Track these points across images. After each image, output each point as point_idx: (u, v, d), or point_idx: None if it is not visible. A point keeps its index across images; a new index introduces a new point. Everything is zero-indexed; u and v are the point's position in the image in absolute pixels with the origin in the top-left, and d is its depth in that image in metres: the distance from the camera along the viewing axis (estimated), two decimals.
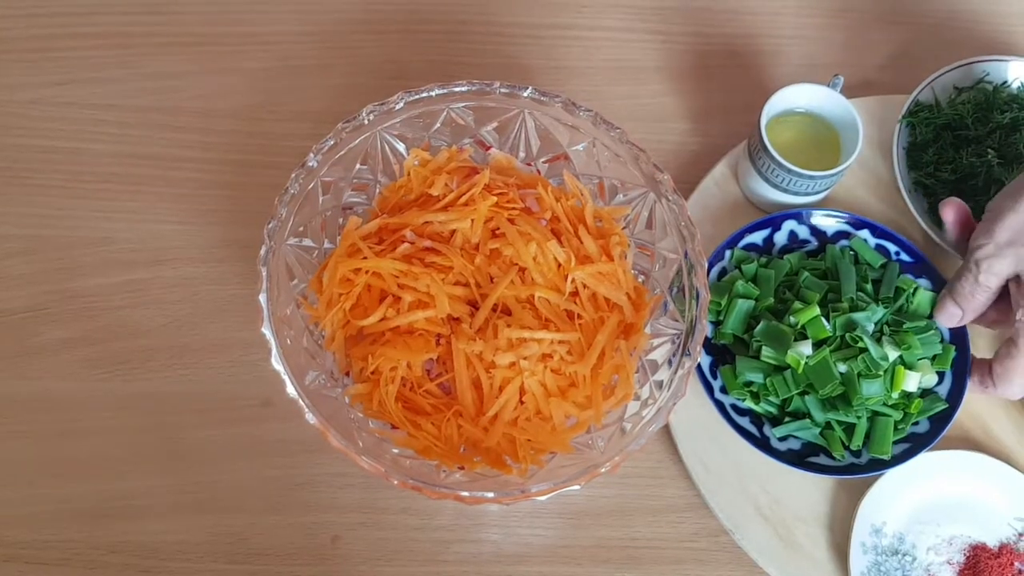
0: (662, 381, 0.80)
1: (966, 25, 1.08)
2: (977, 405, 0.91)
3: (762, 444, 0.85)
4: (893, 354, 0.84)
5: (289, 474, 0.88)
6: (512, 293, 0.81)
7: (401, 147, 0.87)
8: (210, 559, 0.86)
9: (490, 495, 0.75)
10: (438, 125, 0.86)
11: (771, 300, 0.87)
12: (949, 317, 0.86)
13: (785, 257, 0.90)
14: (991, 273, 0.81)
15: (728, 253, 0.91)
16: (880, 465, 0.84)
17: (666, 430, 0.89)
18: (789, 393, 0.84)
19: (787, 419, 0.86)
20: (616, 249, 0.84)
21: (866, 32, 1.07)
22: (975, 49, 1.03)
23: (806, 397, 0.84)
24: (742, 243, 0.91)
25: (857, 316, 0.84)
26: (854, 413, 0.84)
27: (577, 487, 0.75)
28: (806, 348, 0.83)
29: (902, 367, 0.84)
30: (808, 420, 0.85)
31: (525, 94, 0.83)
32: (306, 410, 0.75)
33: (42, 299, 0.93)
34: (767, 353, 0.84)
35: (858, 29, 1.07)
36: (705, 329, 0.80)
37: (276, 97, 1.01)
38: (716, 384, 0.87)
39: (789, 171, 0.88)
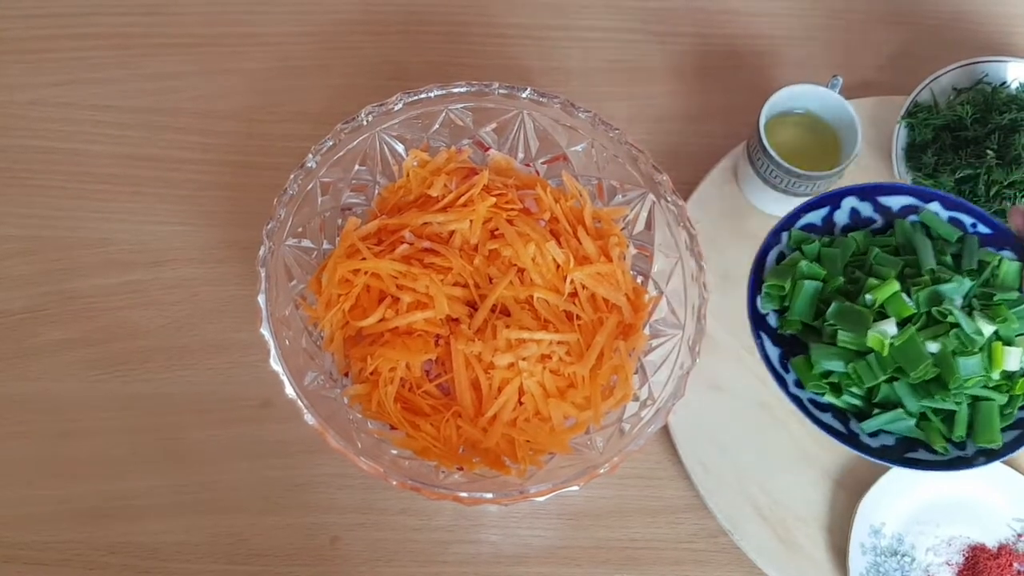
0: (661, 381, 0.80)
1: (965, 26, 1.08)
2: None
3: (852, 441, 0.75)
4: (988, 329, 0.73)
5: (288, 475, 0.88)
6: (511, 294, 0.81)
7: (400, 148, 0.87)
8: (209, 559, 0.86)
9: (489, 496, 0.75)
10: (437, 126, 0.86)
11: (840, 280, 0.77)
12: None
13: (850, 235, 0.80)
14: None
15: (784, 236, 0.81)
16: (989, 456, 0.73)
17: (665, 431, 0.89)
18: (875, 380, 0.73)
19: (876, 411, 0.75)
20: (615, 250, 0.84)
21: (865, 33, 1.07)
22: (974, 50, 1.03)
23: (895, 384, 0.74)
24: (799, 224, 0.81)
25: (943, 288, 0.74)
26: (952, 398, 0.73)
27: (576, 488, 0.75)
28: (890, 327, 0.73)
29: (999, 343, 0.73)
30: (900, 411, 0.74)
31: (524, 95, 0.83)
32: (305, 411, 0.75)
33: (41, 300, 0.93)
34: (844, 337, 0.74)
35: (857, 30, 1.07)
36: (705, 329, 0.80)
37: (275, 98, 1.01)
38: (790, 378, 0.77)
39: (788, 172, 0.88)
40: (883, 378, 0.73)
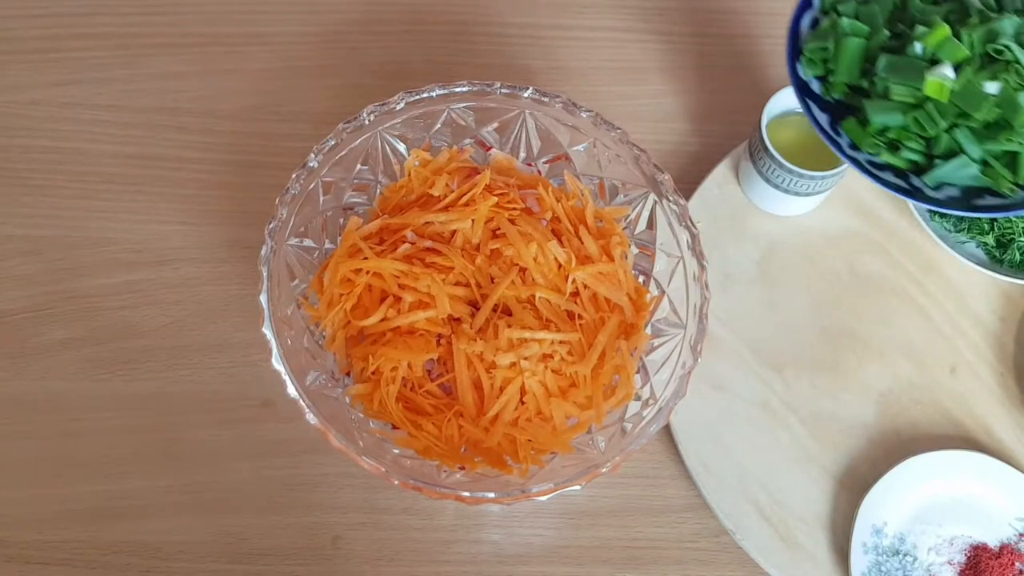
0: (663, 381, 0.80)
1: None
2: (979, 405, 0.91)
3: (917, 194, 0.72)
4: None
5: (290, 474, 0.88)
6: (513, 293, 0.81)
7: (402, 147, 0.87)
8: (211, 559, 0.86)
9: (491, 495, 0.75)
10: (439, 125, 0.86)
11: (885, 34, 0.74)
12: None
13: None
14: None
15: (816, 1, 0.77)
16: None
17: (667, 430, 0.89)
18: (937, 129, 0.70)
19: (937, 163, 0.73)
20: (617, 249, 0.84)
21: None
22: None
23: (956, 131, 0.71)
24: None
25: (996, 26, 0.71)
26: (1017, 138, 0.70)
27: (578, 487, 0.75)
28: (948, 70, 0.70)
29: None
30: (963, 158, 0.71)
31: (526, 94, 0.83)
32: (307, 410, 0.75)
33: (44, 299, 0.93)
34: (899, 91, 0.71)
35: None
36: (707, 329, 0.80)
37: (277, 97, 1.01)
38: (843, 142, 0.74)
39: (790, 171, 0.88)
40: (944, 126, 0.70)
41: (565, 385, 0.81)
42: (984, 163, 0.72)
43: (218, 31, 1.05)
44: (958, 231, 0.93)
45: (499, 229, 0.82)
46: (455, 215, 0.82)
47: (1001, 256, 0.92)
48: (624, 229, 0.87)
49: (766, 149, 0.88)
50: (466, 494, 0.75)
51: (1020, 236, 0.91)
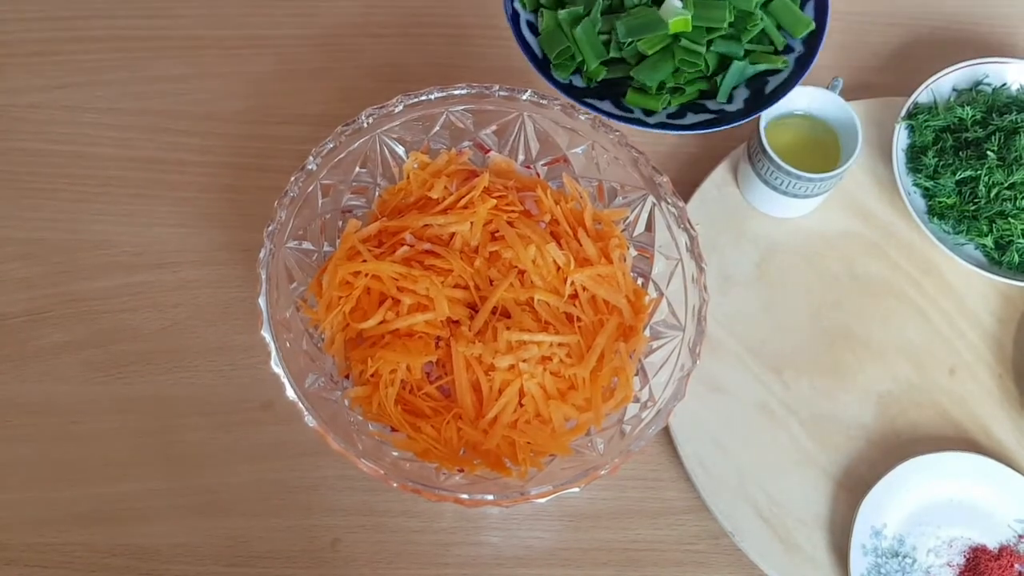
0: (662, 383, 0.80)
1: (966, 27, 1.08)
2: (978, 407, 0.91)
3: (723, 119, 0.78)
4: None
5: (289, 477, 0.88)
6: (511, 296, 0.81)
7: (400, 150, 0.87)
8: (211, 562, 0.86)
9: (490, 497, 0.75)
10: (437, 128, 0.86)
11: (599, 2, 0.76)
12: None
13: None
14: None
15: None
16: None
17: (666, 432, 0.89)
18: (701, 56, 0.75)
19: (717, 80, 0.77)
20: (615, 252, 0.84)
21: (865, 34, 1.07)
22: (975, 51, 1.03)
23: (715, 45, 0.75)
24: None
25: None
26: (759, 20, 0.76)
27: (577, 489, 0.75)
28: (675, 2, 0.74)
29: None
30: (735, 63, 0.77)
31: (524, 97, 0.83)
32: (306, 413, 0.75)
33: (43, 302, 0.93)
34: (650, 44, 0.75)
35: (857, 31, 1.07)
36: (705, 331, 0.80)
37: (276, 100, 1.01)
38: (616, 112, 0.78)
39: (788, 173, 0.88)
40: (703, 48, 0.74)
41: (564, 387, 0.81)
42: (748, 54, 0.75)
43: (217, 34, 1.05)
44: (957, 233, 0.93)
45: (498, 231, 0.82)
46: (454, 218, 0.82)
47: (1000, 258, 0.92)
48: (623, 231, 0.87)
49: (765, 151, 0.88)
50: (465, 496, 0.75)
51: (1019, 238, 0.91)
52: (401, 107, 0.83)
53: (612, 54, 0.73)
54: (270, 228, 0.80)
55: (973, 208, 0.92)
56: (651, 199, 0.84)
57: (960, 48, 1.05)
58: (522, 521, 0.88)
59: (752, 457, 0.88)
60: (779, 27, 0.75)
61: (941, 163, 0.94)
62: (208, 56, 1.03)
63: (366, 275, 0.80)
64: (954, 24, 1.08)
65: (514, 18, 0.73)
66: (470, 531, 0.87)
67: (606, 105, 0.73)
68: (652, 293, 0.86)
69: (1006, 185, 0.91)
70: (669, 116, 0.73)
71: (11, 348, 0.91)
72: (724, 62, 0.74)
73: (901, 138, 0.96)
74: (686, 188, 0.97)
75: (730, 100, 0.75)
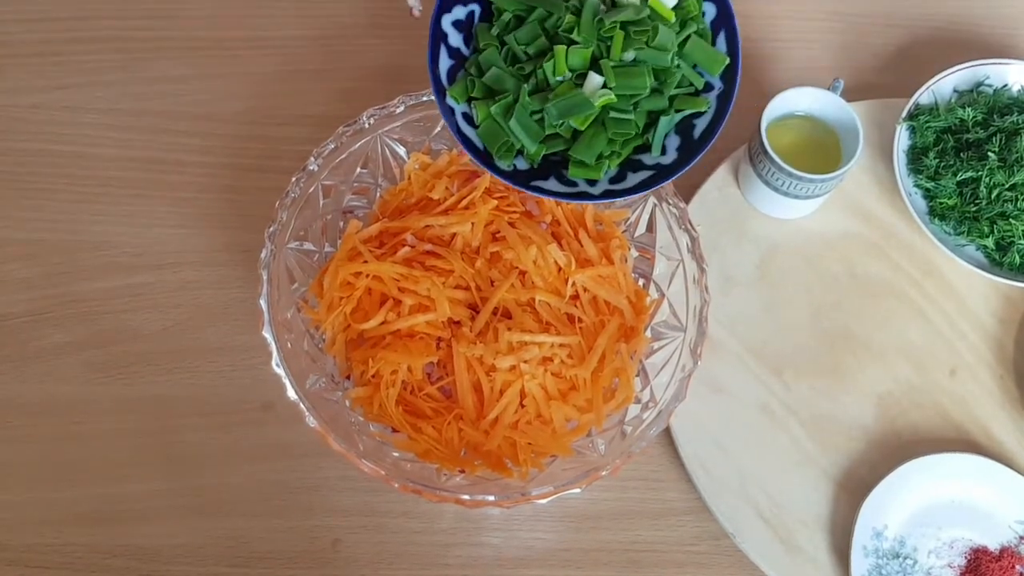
0: (663, 384, 0.80)
1: (966, 28, 1.08)
2: (978, 408, 0.91)
3: (666, 172, 0.75)
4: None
5: (290, 478, 0.88)
6: (512, 296, 0.81)
7: (402, 151, 0.87)
8: (211, 562, 0.86)
9: (491, 498, 0.75)
10: (439, 129, 0.87)
11: (525, 89, 0.74)
12: None
13: (482, 34, 0.76)
14: None
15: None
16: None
17: (667, 433, 0.89)
18: (632, 120, 0.73)
19: (648, 136, 0.75)
20: (616, 252, 0.84)
21: (866, 35, 1.07)
22: (975, 52, 1.03)
23: (642, 104, 0.74)
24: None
25: (587, 8, 0.73)
26: (677, 71, 0.74)
27: (578, 490, 0.75)
28: (596, 79, 0.73)
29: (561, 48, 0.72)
30: (664, 117, 0.75)
31: None
32: (307, 413, 0.76)
33: (43, 303, 0.93)
34: (582, 121, 0.73)
35: (858, 32, 1.07)
36: (707, 332, 0.80)
37: (277, 101, 1.01)
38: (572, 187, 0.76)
39: (790, 174, 0.88)
40: (632, 113, 0.73)
41: (565, 388, 0.81)
42: (672, 102, 0.75)
43: (218, 35, 1.05)
44: (958, 234, 0.93)
45: (499, 232, 0.82)
46: (455, 218, 0.82)
47: (1001, 259, 0.92)
48: (624, 232, 0.87)
49: (766, 152, 0.88)
50: (466, 497, 0.75)
51: (1020, 239, 0.91)
52: (402, 108, 0.84)
53: (548, 131, 0.74)
54: (271, 229, 0.80)
55: (974, 209, 0.92)
56: (652, 200, 0.84)
57: (961, 49, 1.05)
58: (523, 522, 0.88)
59: (753, 458, 0.88)
60: (695, 66, 0.76)
61: (942, 164, 0.94)
62: (209, 57, 1.03)
63: (367, 276, 0.80)
64: (955, 25, 1.08)
65: (449, 113, 0.74)
66: (471, 532, 0.87)
67: (551, 184, 0.74)
68: (653, 294, 0.86)
69: (1007, 186, 0.91)
70: (611, 181, 0.75)
71: (12, 349, 0.91)
72: (653, 115, 0.75)
73: (902, 139, 0.96)
74: (687, 189, 0.97)
75: (664, 151, 0.76)
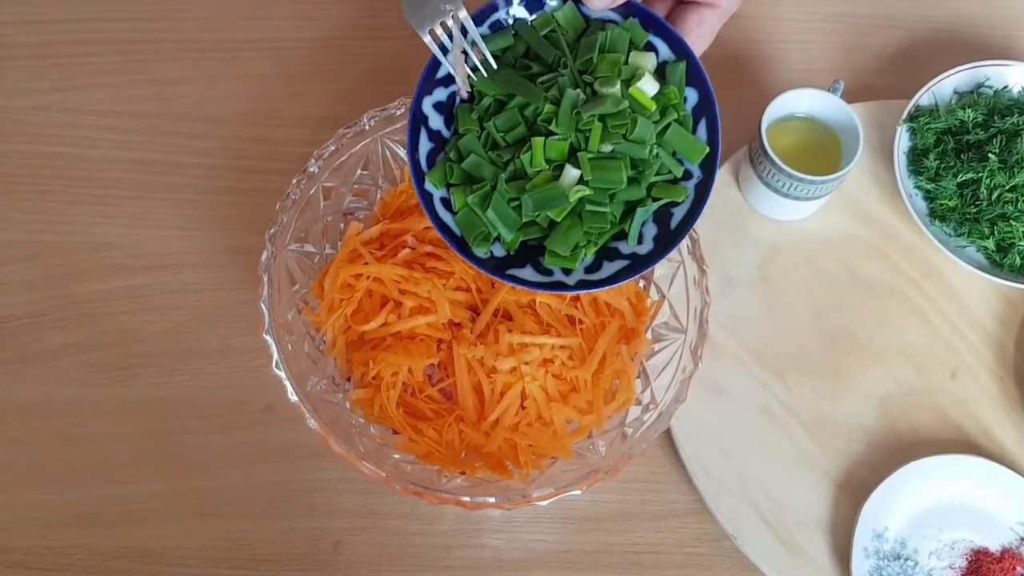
0: (663, 385, 0.80)
1: (967, 29, 1.08)
2: (979, 409, 0.91)
3: (643, 262, 0.73)
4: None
5: (291, 479, 0.88)
6: (513, 298, 0.81)
7: (402, 152, 0.87)
8: (212, 564, 0.86)
9: (491, 500, 0.75)
10: None
11: (503, 177, 0.72)
12: None
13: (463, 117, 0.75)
14: None
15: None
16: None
17: (667, 435, 0.89)
18: (609, 211, 0.72)
19: (627, 226, 0.74)
20: None
21: (866, 36, 1.07)
22: (976, 53, 1.03)
23: (618, 196, 0.72)
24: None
25: (568, 98, 0.71)
26: (654, 162, 0.72)
27: (578, 492, 0.75)
28: (572, 172, 0.71)
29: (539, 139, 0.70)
30: (640, 208, 0.73)
31: None
32: (307, 415, 0.76)
33: (43, 304, 0.93)
34: (559, 213, 0.71)
35: (858, 33, 1.07)
36: (707, 334, 0.80)
37: (277, 103, 1.01)
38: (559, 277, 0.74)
39: (790, 176, 0.88)
40: (608, 205, 0.71)
41: (566, 390, 0.81)
42: (650, 190, 0.73)
43: (217, 36, 1.05)
44: (958, 235, 0.93)
45: None
46: None
47: (1001, 260, 0.92)
48: None
49: (766, 154, 0.88)
50: (467, 499, 0.75)
51: (1020, 240, 0.91)
52: (403, 109, 0.84)
53: (525, 218, 0.73)
54: (271, 231, 0.80)
55: (975, 210, 0.92)
56: None
57: (961, 50, 1.05)
58: (523, 524, 0.88)
59: (754, 460, 0.88)
60: (675, 153, 0.74)
61: (942, 165, 0.94)
62: (209, 59, 1.03)
63: (368, 278, 0.80)
64: (955, 26, 1.08)
65: (427, 199, 0.73)
66: (471, 534, 0.87)
67: (527, 272, 0.73)
68: (654, 295, 0.86)
69: (1007, 187, 0.91)
70: (587, 270, 0.73)
71: (12, 350, 0.91)
72: (630, 204, 0.74)
73: (902, 140, 0.96)
74: None
75: (640, 240, 0.74)
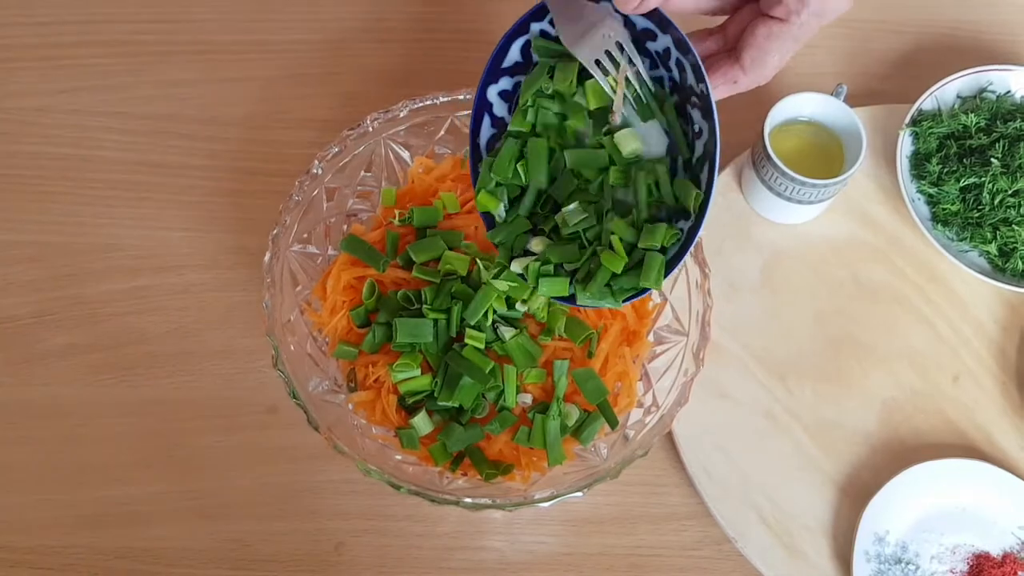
0: (665, 388, 0.80)
1: (970, 34, 1.08)
2: (981, 414, 0.91)
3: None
4: None
5: (293, 480, 0.88)
6: None
7: (406, 155, 0.87)
8: (214, 565, 0.86)
9: (493, 501, 0.75)
10: (443, 133, 0.87)
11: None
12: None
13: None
14: None
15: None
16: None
17: (669, 438, 0.89)
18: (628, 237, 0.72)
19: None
20: None
21: (869, 41, 1.07)
22: (979, 58, 1.03)
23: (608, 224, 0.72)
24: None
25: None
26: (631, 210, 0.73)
27: (580, 494, 0.75)
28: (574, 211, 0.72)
29: None
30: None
31: None
32: (310, 417, 0.76)
33: (48, 305, 0.93)
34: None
35: (862, 38, 1.07)
36: (709, 337, 0.80)
37: (281, 105, 1.02)
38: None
39: (793, 179, 0.88)
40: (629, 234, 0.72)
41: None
42: (650, 209, 0.73)
43: (223, 39, 1.05)
44: (961, 240, 0.93)
45: None
46: (458, 222, 0.82)
47: (1004, 265, 0.92)
48: None
49: (769, 157, 0.88)
50: (468, 500, 0.75)
51: (1022, 245, 0.91)
52: (406, 112, 0.84)
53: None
54: (275, 232, 0.80)
55: (977, 215, 0.92)
56: None
57: (964, 55, 1.05)
58: (525, 526, 0.88)
59: (756, 463, 0.88)
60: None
61: (945, 170, 0.94)
62: (214, 61, 1.04)
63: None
64: (958, 31, 1.08)
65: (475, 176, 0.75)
66: (473, 536, 0.87)
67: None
68: (656, 298, 0.86)
69: (1010, 192, 0.91)
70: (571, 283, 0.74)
71: (17, 351, 0.92)
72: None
73: (905, 145, 0.96)
74: None
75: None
